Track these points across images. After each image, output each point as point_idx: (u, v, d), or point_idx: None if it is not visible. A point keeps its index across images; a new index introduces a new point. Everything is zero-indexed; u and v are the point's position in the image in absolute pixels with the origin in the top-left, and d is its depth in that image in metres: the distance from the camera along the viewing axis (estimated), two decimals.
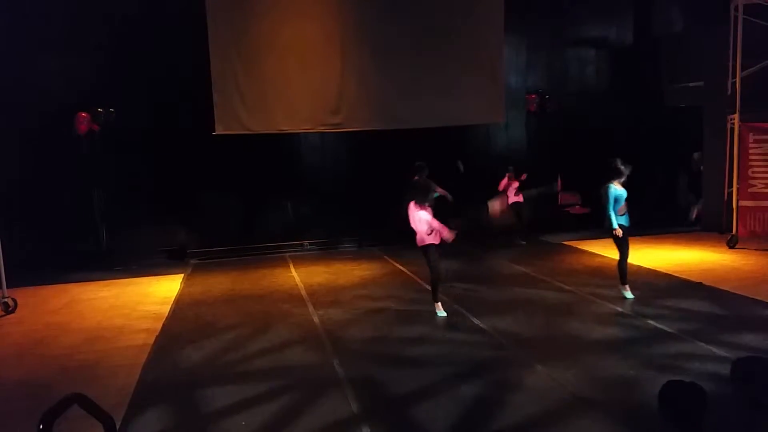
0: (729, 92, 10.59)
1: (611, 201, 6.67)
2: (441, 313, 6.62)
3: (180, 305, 7.57)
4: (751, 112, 10.06)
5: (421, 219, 6.42)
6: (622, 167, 6.69)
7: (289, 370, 5.22)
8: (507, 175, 10.60)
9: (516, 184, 10.58)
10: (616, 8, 12.65)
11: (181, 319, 6.95)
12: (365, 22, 10.17)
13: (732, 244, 9.82)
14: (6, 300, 7.41)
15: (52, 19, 9.68)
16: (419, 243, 6.61)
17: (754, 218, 9.94)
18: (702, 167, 11.90)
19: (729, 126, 10.59)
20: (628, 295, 6.95)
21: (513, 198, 10.58)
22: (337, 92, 10.18)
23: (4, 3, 9.26)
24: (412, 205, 6.50)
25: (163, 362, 5.54)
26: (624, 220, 6.83)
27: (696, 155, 12.23)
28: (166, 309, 7.36)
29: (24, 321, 7.10)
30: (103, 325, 6.80)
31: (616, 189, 6.70)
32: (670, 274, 8.12)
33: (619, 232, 6.73)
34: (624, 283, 7.00)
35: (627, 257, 6.94)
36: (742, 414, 4.17)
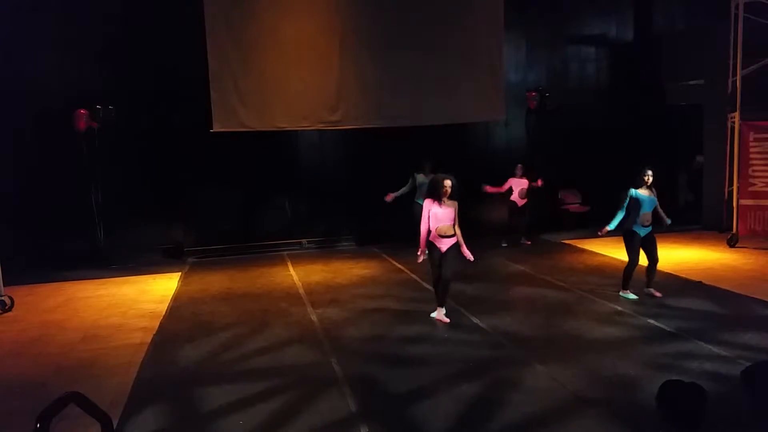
0: (729, 90, 10.58)
1: (625, 202, 6.66)
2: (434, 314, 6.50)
3: (177, 304, 7.53)
4: (751, 110, 10.04)
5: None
6: (644, 177, 6.63)
7: (287, 369, 5.20)
8: (518, 170, 10.43)
9: (525, 185, 10.40)
10: (617, 5, 12.62)
11: (179, 317, 6.92)
12: (364, 19, 10.12)
13: (732, 243, 9.81)
14: (3, 298, 7.37)
15: (51, 17, 9.64)
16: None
17: (755, 217, 9.92)
18: (702, 168, 11.89)
19: (729, 124, 10.58)
20: (630, 296, 6.92)
21: (521, 201, 10.45)
22: (336, 89, 10.14)
23: (3, 1, 9.21)
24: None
25: (160, 361, 5.51)
26: (642, 230, 6.75)
27: (698, 158, 12.20)
28: (163, 307, 7.32)
29: (20, 319, 7.07)
30: (100, 323, 6.77)
31: (638, 192, 6.66)
32: (669, 273, 8.09)
33: (604, 231, 6.73)
34: (624, 288, 6.99)
35: (634, 265, 6.87)
36: (743, 414, 4.14)
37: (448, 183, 6.07)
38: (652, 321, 6.11)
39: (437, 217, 6.15)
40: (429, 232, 6.23)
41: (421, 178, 9.74)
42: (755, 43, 10.06)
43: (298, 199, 11.22)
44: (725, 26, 10.53)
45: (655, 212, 6.81)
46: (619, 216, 6.72)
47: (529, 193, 10.45)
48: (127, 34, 9.84)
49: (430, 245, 6.27)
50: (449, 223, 6.19)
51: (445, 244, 6.22)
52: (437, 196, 6.11)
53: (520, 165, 10.50)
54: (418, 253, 6.31)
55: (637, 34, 12.70)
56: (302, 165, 11.24)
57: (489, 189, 10.34)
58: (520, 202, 10.48)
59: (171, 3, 9.89)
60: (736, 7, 10.19)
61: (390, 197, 9.89)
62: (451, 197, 6.15)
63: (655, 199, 6.75)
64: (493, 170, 10.74)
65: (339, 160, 11.37)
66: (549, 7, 12.00)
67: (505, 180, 10.46)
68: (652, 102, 12.44)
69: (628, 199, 6.66)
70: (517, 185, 10.43)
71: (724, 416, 4.03)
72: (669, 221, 6.96)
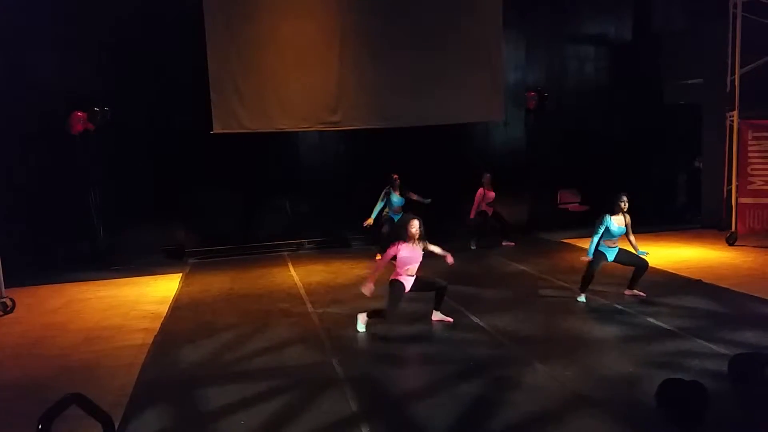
0: (728, 89, 10.60)
1: (601, 229, 6.66)
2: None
3: (178, 305, 7.55)
4: (750, 109, 10.07)
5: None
6: (620, 203, 6.64)
7: (288, 370, 5.21)
8: (485, 180, 10.16)
9: (492, 196, 10.22)
10: (616, 5, 12.63)
11: (180, 318, 6.94)
12: (363, 20, 10.14)
13: (731, 242, 9.82)
14: (4, 300, 7.39)
15: (48, 18, 9.64)
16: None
17: (753, 215, 9.94)
18: (701, 169, 11.90)
19: (728, 123, 10.60)
20: (581, 299, 6.92)
21: (490, 210, 10.29)
22: (335, 90, 10.16)
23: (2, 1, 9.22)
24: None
25: (161, 362, 5.53)
26: (611, 252, 6.80)
27: (698, 157, 12.20)
28: (164, 308, 7.34)
29: (22, 321, 7.09)
30: (102, 324, 6.79)
31: (611, 221, 6.66)
32: (669, 272, 8.12)
33: (585, 260, 6.80)
34: (581, 290, 6.97)
35: (590, 275, 6.85)
36: (742, 411, 4.16)
37: (416, 225, 5.85)
38: (651, 320, 6.12)
39: (406, 260, 5.93)
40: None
41: (396, 197, 9.58)
42: (754, 42, 10.08)
43: (298, 200, 11.23)
44: (724, 25, 10.55)
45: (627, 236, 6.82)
46: (595, 240, 6.74)
47: (495, 202, 10.29)
48: (125, 35, 9.84)
49: (394, 280, 6.08)
50: (418, 264, 6.01)
51: (409, 282, 6.05)
52: (406, 238, 5.89)
53: (488, 175, 10.19)
54: (366, 286, 6.00)
55: (635, 33, 12.71)
56: (302, 166, 11.25)
57: (471, 215, 10.18)
58: (490, 210, 10.33)
59: (170, 4, 9.90)
60: (735, 6, 10.21)
61: (369, 221, 9.52)
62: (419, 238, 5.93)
63: (625, 228, 6.73)
64: (492, 170, 10.73)
65: (339, 161, 11.38)
66: (548, 7, 12.01)
67: (473, 196, 10.19)
68: (651, 101, 12.45)
69: (603, 226, 6.66)
70: (484, 199, 10.21)
71: (725, 414, 4.04)
72: (642, 252, 6.84)
